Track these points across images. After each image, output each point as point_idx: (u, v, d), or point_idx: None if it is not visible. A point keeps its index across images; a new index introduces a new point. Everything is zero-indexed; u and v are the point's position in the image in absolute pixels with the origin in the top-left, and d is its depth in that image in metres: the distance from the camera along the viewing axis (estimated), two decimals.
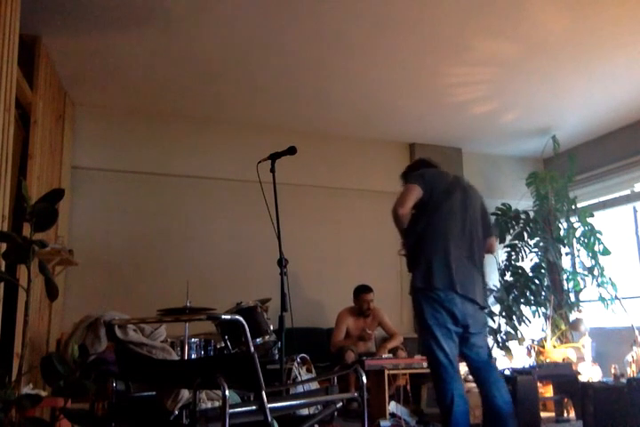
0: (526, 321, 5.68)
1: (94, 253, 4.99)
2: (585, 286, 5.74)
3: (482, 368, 2.94)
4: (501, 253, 5.89)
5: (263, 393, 1.81)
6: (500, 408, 2.84)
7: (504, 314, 5.66)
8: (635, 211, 5.88)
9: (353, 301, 5.13)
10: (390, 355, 4.65)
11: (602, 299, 5.51)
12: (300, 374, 3.85)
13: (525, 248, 5.88)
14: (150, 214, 5.32)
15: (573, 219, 5.87)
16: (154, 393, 2.52)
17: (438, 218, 2.96)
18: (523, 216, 5.92)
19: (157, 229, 5.31)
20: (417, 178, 3.03)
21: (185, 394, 2.39)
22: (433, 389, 4.24)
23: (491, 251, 3.18)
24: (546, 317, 5.55)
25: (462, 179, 3.22)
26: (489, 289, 5.82)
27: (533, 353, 5.09)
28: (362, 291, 5.10)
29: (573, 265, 6.05)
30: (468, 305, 2.88)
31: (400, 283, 6.08)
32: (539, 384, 4.34)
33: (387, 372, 4.15)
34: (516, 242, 5.87)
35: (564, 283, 5.85)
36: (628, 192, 5.89)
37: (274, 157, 3.25)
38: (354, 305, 5.14)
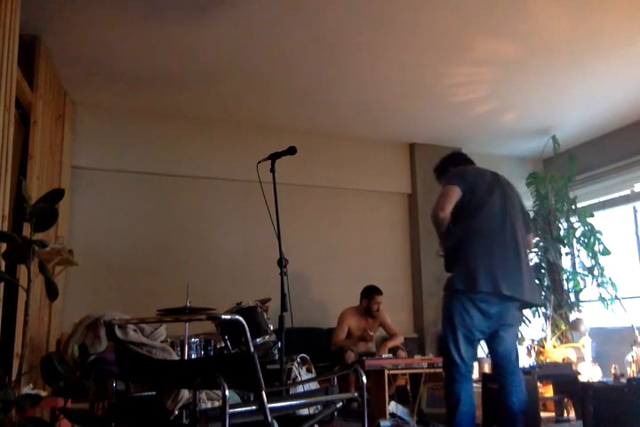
0: (526, 321, 5.68)
1: (94, 253, 4.99)
2: (585, 286, 5.74)
3: (507, 368, 2.92)
4: None
5: (263, 393, 1.81)
6: (513, 410, 2.84)
7: None
8: (635, 211, 5.88)
9: (360, 300, 5.10)
10: (390, 355, 4.65)
11: (602, 299, 5.51)
12: (299, 374, 3.84)
13: None
14: (150, 214, 5.32)
15: (573, 219, 5.87)
16: (154, 393, 2.52)
17: (479, 220, 2.89)
18: None
19: (157, 229, 5.31)
20: (457, 178, 2.95)
21: (185, 394, 2.39)
22: (433, 389, 4.27)
23: (529, 247, 3.13)
24: (546, 317, 5.55)
25: (500, 176, 3.13)
26: None
27: (533, 353, 5.09)
28: (375, 292, 5.05)
29: (573, 265, 6.05)
30: (510, 304, 2.87)
31: (400, 283, 6.09)
32: (539, 384, 4.34)
33: (387, 372, 4.15)
34: None
35: (564, 283, 5.85)
36: (628, 192, 5.89)
37: (274, 157, 3.25)
38: (359, 305, 5.12)
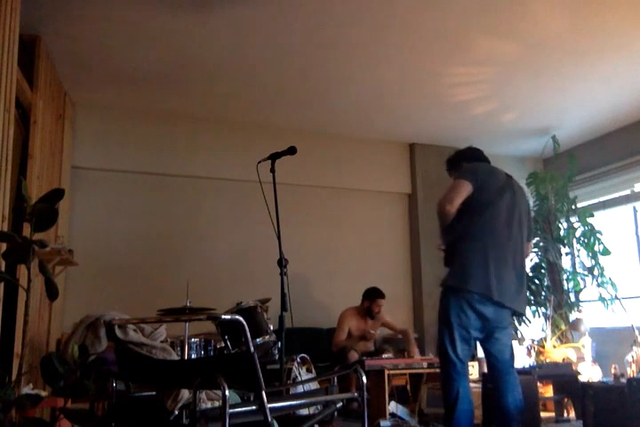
0: (526, 321, 5.68)
1: (94, 253, 4.99)
2: (585, 286, 5.74)
3: (501, 368, 2.92)
4: None
5: (263, 393, 1.81)
6: (509, 410, 2.83)
7: None
8: (635, 211, 5.88)
9: (362, 301, 5.10)
10: (390, 355, 4.65)
11: (602, 299, 5.51)
12: (299, 374, 3.84)
13: None
14: (150, 214, 5.32)
15: (573, 219, 5.87)
16: (154, 393, 2.52)
17: (483, 219, 2.85)
18: None
19: (157, 229, 5.31)
20: (470, 174, 2.90)
21: (185, 394, 2.39)
22: (433, 389, 4.27)
23: (526, 255, 3.10)
24: (546, 317, 5.55)
25: (513, 180, 3.08)
26: None
27: (533, 353, 5.09)
28: (378, 295, 5.05)
29: (573, 265, 6.05)
30: (504, 309, 2.85)
31: (400, 283, 6.08)
32: (539, 384, 4.34)
33: (387, 372, 4.15)
34: None
35: (564, 283, 5.85)
36: (628, 192, 5.89)
37: (274, 157, 3.26)
38: (359, 305, 5.12)
